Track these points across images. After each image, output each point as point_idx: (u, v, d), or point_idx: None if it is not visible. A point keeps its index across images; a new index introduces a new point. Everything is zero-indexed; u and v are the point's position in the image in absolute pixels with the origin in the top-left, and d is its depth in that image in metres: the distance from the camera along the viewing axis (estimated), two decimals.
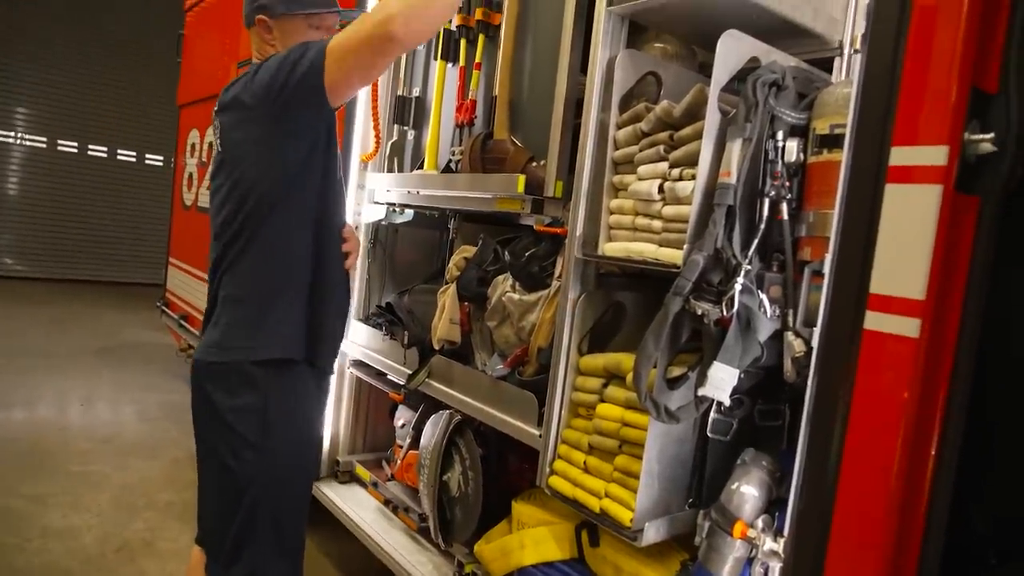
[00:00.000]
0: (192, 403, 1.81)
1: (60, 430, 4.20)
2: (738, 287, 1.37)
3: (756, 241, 1.42)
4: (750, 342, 1.39)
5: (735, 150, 1.42)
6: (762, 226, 1.42)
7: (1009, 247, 1.08)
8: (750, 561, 1.38)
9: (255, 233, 1.69)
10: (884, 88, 1.09)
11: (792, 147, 1.41)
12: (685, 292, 1.41)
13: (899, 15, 1.08)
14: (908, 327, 1.03)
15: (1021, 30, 1.04)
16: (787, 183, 1.41)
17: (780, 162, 1.41)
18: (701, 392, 1.43)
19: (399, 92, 2.71)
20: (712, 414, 1.51)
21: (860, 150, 1.12)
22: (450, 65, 2.45)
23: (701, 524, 1.48)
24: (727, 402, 1.44)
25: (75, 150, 9.97)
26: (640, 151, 1.65)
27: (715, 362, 1.39)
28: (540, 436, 1.82)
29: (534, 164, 1.99)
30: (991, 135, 1.02)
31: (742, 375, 1.42)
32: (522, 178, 1.95)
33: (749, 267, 1.39)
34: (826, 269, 1.16)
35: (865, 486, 1.08)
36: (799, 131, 1.44)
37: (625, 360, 1.59)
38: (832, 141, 1.36)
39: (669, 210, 1.56)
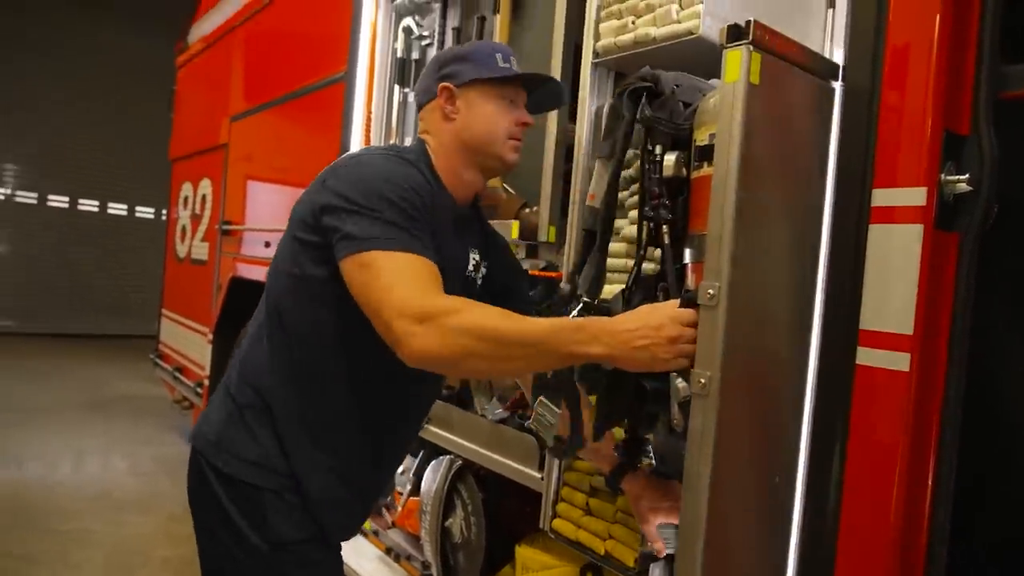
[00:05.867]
0: None
1: (49, 487, 4.14)
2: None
3: (635, 271, 1.30)
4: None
5: (597, 170, 1.34)
6: (642, 252, 1.31)
7: (988, 280, 1.13)
8: None
9: None
10: (862, 133, 1.15)
11: (670, 161, 1.25)
12: None
13: (872, 63, 1.15)
14: (899, 361, 1.07)
15: (988, 73, 1.11)
16: (667, 202, 1.25)
17: (657, 178, 1.26)
18: None
19: (391, 142, 2.77)
20: None
21: (843, 192, 1.18)
22: None
23: None
24: None
25: (66, 205, 10.03)
26: (630, 196, 1.70)
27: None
28: (542, 479, 1.83)
29: (527, 210, 2.04)
30: (966, 176, 1.07)
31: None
32: (516, 224, 2.00)
33: (588, 299, 1.27)
34: (817, 308, 1.20)
35: (866, 515, 1.11)
36: (683, 144, 1.27)
37: None
38: (711, 153, 1.18)
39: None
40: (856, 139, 1.16)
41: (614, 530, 1.62)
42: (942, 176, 1.08)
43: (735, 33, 1.08)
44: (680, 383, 1.12)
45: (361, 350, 1.29)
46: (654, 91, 1.27)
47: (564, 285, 1.33)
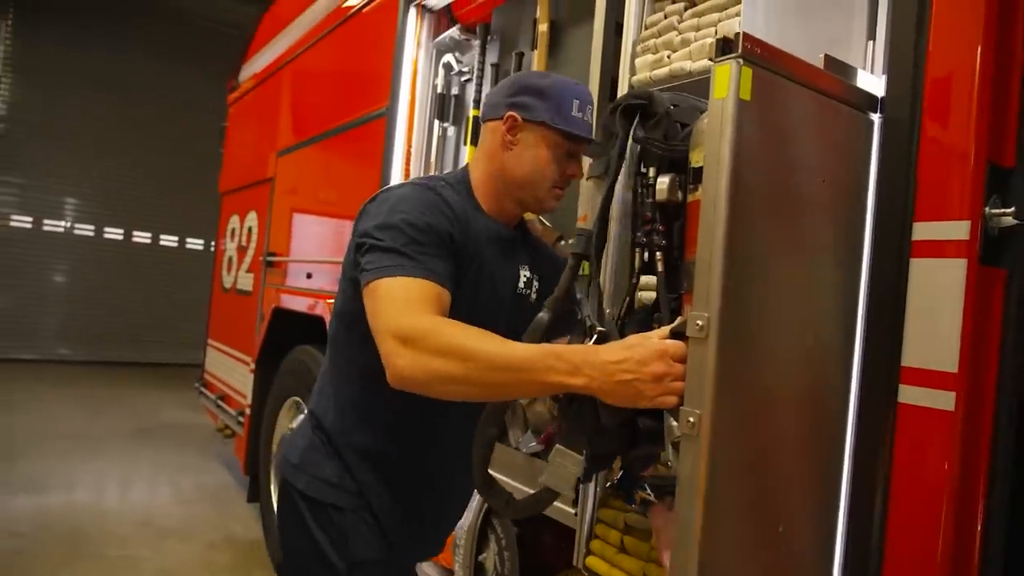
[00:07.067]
0: None
1: (97, 513, 4.23)
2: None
3: (626, 300, 1.23)
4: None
5: (589, 190, 1.26)
6: (635, 281, 1.24)
7: None
8: None
9: None
10: (903, 165, 1.12)
11: (663, 184, 1.17)
12: None
13: (911, 94, 1.13)
14: (944, 400, 1.03)
15: None
16: (660, 227, 1.18)
17: (650, 202, 1.19)
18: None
19: (431, 175, 2.81)
20: None
21: (882, 225, 1.15)
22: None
23: None
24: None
25: (120, 237, 10.40)
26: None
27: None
28: (576, 515, 1.80)
29: (562, 243, 2.04)
30: (1012, 209, 1.04)
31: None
32: None
33: (603, 329, 1.15)
34: (857, 343, 1.17)
35: (911, 567, 1.06)
36: (679, 166, 1.18)
37: None
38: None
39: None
40: (896, 171, 1.13)
41: (649, 569, 1.58)
42: (987, 209, 1.05)
43: (724, 47, 1.02)
44: (674, 422, 1.03)
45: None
46: (648, 110, 1.20)
47: (542, 315, 1.23)
